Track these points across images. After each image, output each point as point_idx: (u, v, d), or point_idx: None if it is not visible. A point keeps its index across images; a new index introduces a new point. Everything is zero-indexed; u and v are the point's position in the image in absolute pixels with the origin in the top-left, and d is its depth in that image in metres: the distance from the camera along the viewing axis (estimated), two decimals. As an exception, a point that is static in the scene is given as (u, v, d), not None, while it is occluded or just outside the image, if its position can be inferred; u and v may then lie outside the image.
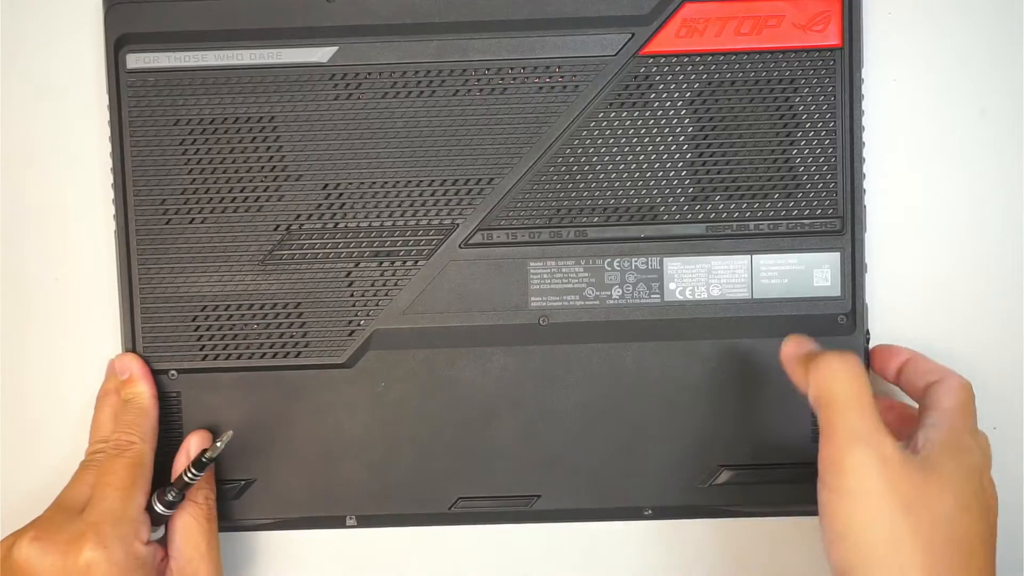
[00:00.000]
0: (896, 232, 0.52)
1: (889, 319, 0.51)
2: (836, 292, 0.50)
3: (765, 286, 0.50)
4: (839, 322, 0.50)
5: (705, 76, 0.49)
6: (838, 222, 0.50)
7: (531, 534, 0.52)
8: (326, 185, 0.50)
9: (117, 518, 0.45)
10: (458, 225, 0.50)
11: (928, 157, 0.52)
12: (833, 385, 0.42)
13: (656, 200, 0.50)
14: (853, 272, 0.50)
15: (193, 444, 0.49)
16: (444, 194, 0.50)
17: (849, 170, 0.49)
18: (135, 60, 0.49)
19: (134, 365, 0.50)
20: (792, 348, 0.45)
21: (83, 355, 0.51)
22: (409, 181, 0.50)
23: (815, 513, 0.42)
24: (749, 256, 0.50)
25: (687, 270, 0.50)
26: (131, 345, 0.50)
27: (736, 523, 0.51)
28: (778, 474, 0.50)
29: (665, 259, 0.50)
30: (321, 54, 0.50)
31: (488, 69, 0.50)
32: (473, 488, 0.50)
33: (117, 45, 0.49)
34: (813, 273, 0.50)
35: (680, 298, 0.50)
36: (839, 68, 0.49)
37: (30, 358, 0.52)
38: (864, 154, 0.50)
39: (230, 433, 0.47)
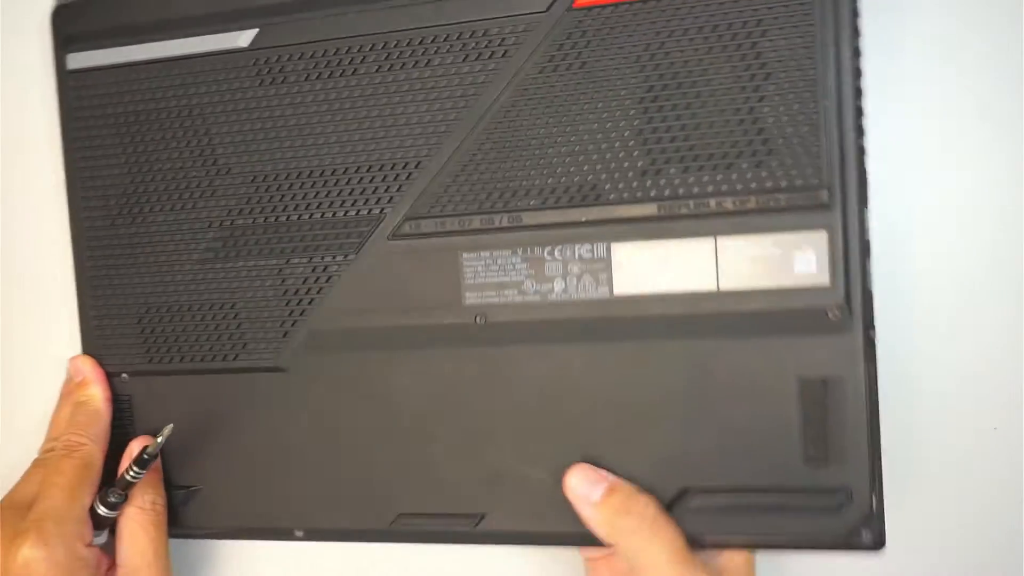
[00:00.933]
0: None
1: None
2: (824, 280, 0.40)
3: (734, 275, 0.41)
4: (829, 317, 0.40)
5: (652, 26, 0.41)
6: (824, 193, 0.40)
7: (483, 554, 0.47)
8: (255, 178, 0.47)
9: (60, 517, 0.45)
10: (386, 215, 0.45)
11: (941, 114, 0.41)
12: (641, 555, 0.41)
13: (600, 177, 0.42)
14: (846, 254, 0.40)
15: (135, 445, 0.48)
16: (371, 181, 0.45)
17: (837, 127, 0.40)
18: (75, 60, 0.49)
19: (87, 367, 0.49)
20: (579, 485, 0.43)
21: (45, 356, 0.52)
22: (335, 169, 0.46)
23: (803, 547, 0.41)
24: (713, 239, 0.41)
25: (638, 258, 0.42)
26: (87, 347, 0.50)
27: (705, 556, 0.43)
28: (756, 500, 0.42)
29: (612, 245, 0.42)
30: (243, 38, 0.47)
31: (409, 40, 0.44)
32: (415, 504, 0.46)
33: (62, 46, 0.49)
34: (794, 257, 0.40)
35: (631, 291, 0.42)
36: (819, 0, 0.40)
37: None
38: (864, 105, 0.40)
39: (170, 427, 0.45)
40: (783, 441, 0.41)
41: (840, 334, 0.40)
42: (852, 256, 0.40)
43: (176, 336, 0.48)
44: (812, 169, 0.40)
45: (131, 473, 0.46)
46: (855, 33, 0.40)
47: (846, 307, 0.40)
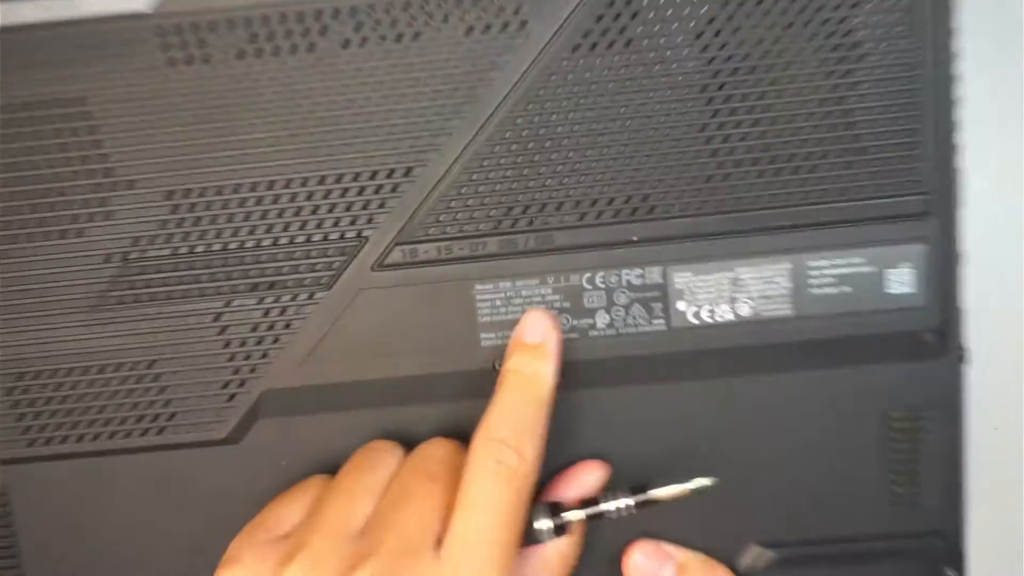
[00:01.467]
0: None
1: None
2: (920, 300, 0.34)
3: (816, 298, 0.34)
4: (924, 342, 0.35)
5: (718, -6, 0.33)
6: (922, 201, 0.34)
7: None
8: (171, 193, 0.34)
9: None
10: (367, 239, 0.34)
11: None
12: None
13: (653, 186, 0.34)
14: (945, 270, 0.34)
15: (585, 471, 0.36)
16: (343, 196, 0.34)
17: (934, 119, 0.33)
18: None
19: (-63, 459, 0.36)
20: (644, 565, 0.36)
21: None
22: (291, 180, 0.34)
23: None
24: (791, 257, 0.34)
25: (702, 283, 0.34)
26: (-67, 431, 0.36)
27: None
28: (835, 551, 0.36)
29: (670, 269, 0.34)
30: (142, 1, 0.33)
31: (390, 5, 0.33)
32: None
33: None
34: (886, 276, 0.34)
35: (694, 322, 0.35)
36: (922, -33, 0.32)
37: None
38: (960, 98, 0.34)
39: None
40: (866, 482, 0.36)
41: (934, 360, 0.35)
42: (949, 272, 0.34)
43: (68, 408, 0.36)
44: (910, 170, 0.33)
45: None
46: (950, 8, 0.33)
47: (942, 329, 0.34)
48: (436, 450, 0.34)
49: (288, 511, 0.34)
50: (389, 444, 0.35)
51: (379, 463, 0.34)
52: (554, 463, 0.35)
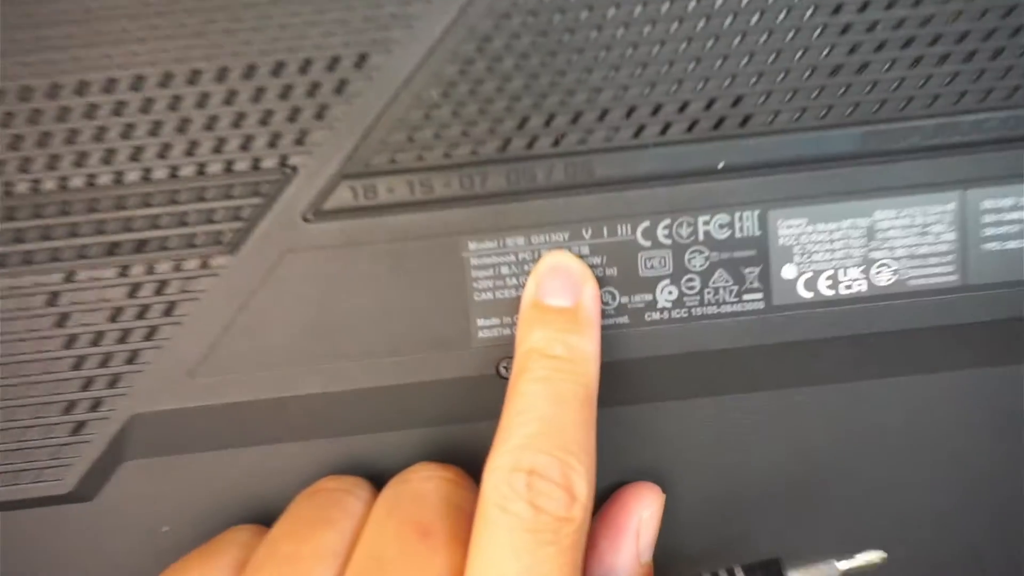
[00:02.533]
0: None
1: None
2: None
3: (992, 257, 0.22)
4: None
5: None
6: None
7: None
8: (-30, 97, 0.21)
9: None
10: (295, 169, 0.21)
11: None
12: None
13: (749, 82, 0.22)
14: None
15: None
16: (256, 99, 0.21)
17: None
18: None
19: None
20: None
21: None
22: (169, 74, 0.21)
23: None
24: (958, 194, 0.22)
25: (821, 236, 0.22)
26: None
27: None
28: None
29: (772, 214, 0.22)
30: None
31: None
32: None
33: None
34: (1096, 220, 0.22)
35: (806, 295, 0.22)
36: None
37: None
38: None
39: None
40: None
41: None
42: None
43: None
44: None
45: None
46: None
47: None
48: (423, 485, 0.21)
49: None
50: (349, 481, 0.22)
51: (337, 511, 0.21)
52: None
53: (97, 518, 0.23)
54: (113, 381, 0.22)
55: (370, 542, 0.20)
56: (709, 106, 0.21)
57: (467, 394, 0.22)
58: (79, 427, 0.22)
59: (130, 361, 0.22)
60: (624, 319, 0.22)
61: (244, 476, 0.23)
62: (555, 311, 0.21)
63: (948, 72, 0.22)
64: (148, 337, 0.22)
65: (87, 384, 0.22)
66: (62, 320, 0.22)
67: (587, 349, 0.21)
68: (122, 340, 0.22)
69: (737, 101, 0.22)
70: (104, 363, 0.22)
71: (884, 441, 0.23)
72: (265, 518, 0.23)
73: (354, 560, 0.20)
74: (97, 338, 0.22)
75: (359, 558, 0.20)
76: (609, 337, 0.22)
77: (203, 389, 0.22)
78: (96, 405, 0.22)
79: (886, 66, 0.21)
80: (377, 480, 0.22)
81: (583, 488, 0.19)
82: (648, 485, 0.23)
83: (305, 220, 0.22)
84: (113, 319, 0.22)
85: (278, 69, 0.21)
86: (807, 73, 0.21)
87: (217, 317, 0.22)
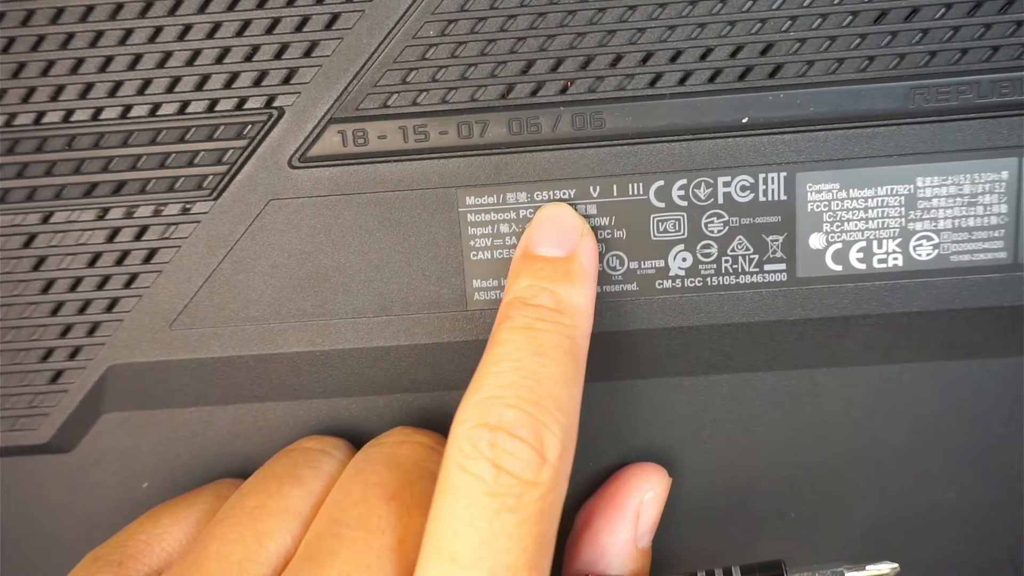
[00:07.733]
0: None
1: None
2: None
3: (1049, 233, 0.20)
4: None
5: None
6: None
7: None
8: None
9: None
10: (282, 111, 0.20)
11: None
12: None
13: (777, 31, 0.19)
14: None
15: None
16: (239, 33, 0.20)
17: None
18: None
19: None
20: None
21: None
22: (147, 6, 0.20)
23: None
24: (1014, 160, 0.20)
25: (854, 202, 0.20)
26: None
27: None
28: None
29: (800, 175, 0.20)
30: None
31: None
32: None
33: None
34: None
35: (835, 268, 0.20)
36: None
37: None
38: None
39: None
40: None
41: None
42: None
43: None
44: None
45: None
46: None
47: None
48: (396, 449, 0.20)
49: (160, 536, 0.20)
50: (328, 442, 0.21)
51: (309, 470, 0.20)
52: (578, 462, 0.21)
53: (75, 470, 0.22)
54: (91, 329, 0.21)
55: (333, 503, 0.19)
56: (735, 54, 0.19)
57: (461, 359, 0.21)
58: (56, 376, 0.21)
59: (109, 309, 0.21)
60: (632, 286, 0.20)
61: (226, 434, 0.22)
62: (545, 259, 0.19)
63: (1011, 21, 0.19)
64: (127, 285, 0.21)
65: (65, 331, 0.21)
66: (39, 263, 0.21)
67: (577, 301, 0.19)
68: (101, 287, 0.21)
69: (767, 49, 0.19)
70: (82, 310, 0.21)
71: (913, 432, 0.21)
72: (246, 477, 0.22)
73: (316, 520, 0.19)
74: (75, 284, 0.21)
75: (320, 518, 0.19)
76: (615, 305, 0.20)
77: (184, 341, 0.21)
78: (74, 354, 0.21)
79: (939, 12, 0.19)
80: (362, 445, 0.21)
81: (555, 448, 0.17)
82: (654, 466, 0.21)
83: (291, 166, 0.20)
84: (91, 264, 0.21)
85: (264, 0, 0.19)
86: (847, 19, 0.19)
87: (199, 266, 0.21)
